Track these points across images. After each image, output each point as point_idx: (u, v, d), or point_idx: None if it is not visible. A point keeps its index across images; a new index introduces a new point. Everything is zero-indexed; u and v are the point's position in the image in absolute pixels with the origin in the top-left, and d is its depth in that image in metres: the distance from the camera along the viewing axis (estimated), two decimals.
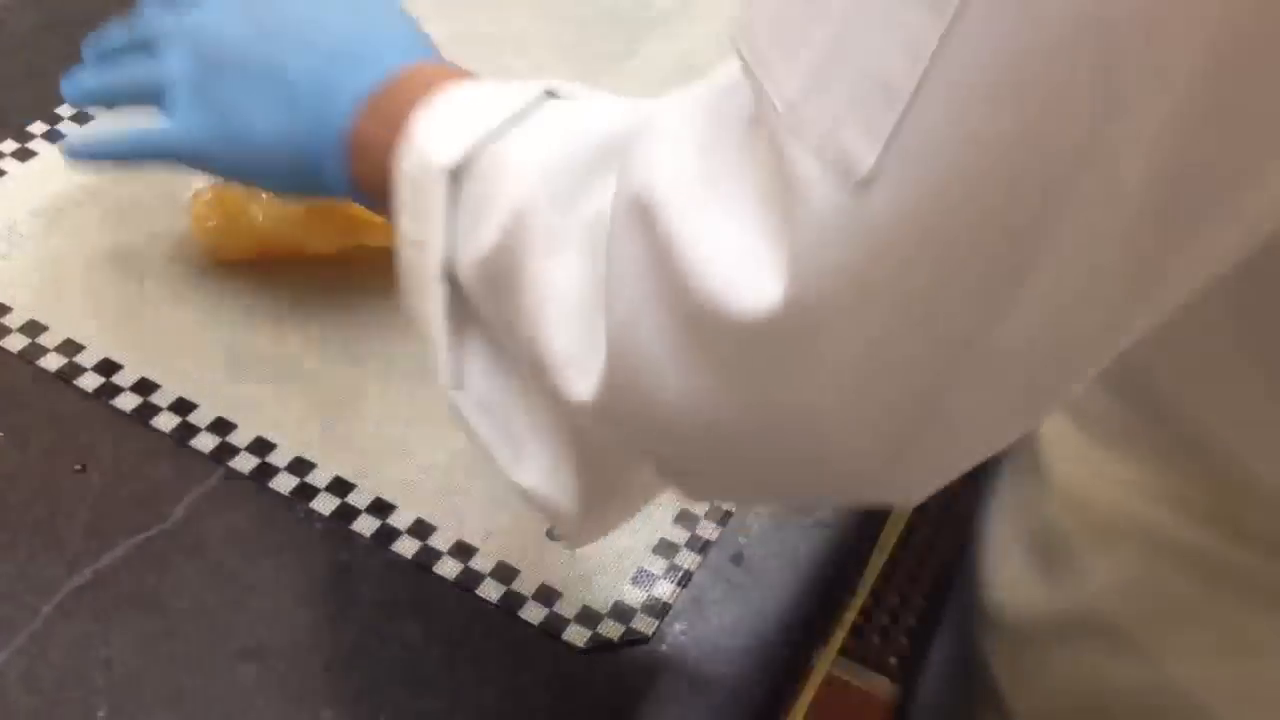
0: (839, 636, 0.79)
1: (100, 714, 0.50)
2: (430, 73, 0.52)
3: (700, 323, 0.36)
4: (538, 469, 0.46)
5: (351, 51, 0.54)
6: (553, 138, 0.45)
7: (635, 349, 0.38)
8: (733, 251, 0.35)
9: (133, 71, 0.60)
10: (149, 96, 0.59)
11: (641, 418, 0.40)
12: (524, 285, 0.43)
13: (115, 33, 0.62)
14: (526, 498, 0.47)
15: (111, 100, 0.62)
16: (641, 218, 0.38)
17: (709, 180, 0.36)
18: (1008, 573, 0.59)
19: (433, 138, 0.47)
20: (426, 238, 0.46)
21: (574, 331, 0.41)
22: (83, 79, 0.61)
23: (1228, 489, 0.49)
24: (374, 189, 0.50)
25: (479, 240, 0.45)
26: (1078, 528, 0.55)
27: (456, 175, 0.45)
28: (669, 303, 0.37)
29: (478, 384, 0.48)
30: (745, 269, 0.35)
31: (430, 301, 0.47)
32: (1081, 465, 0.55)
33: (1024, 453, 0.58)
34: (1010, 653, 0.59)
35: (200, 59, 0.57)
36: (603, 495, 0.47)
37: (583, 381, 0.41)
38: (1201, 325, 0.41)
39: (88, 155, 0.61)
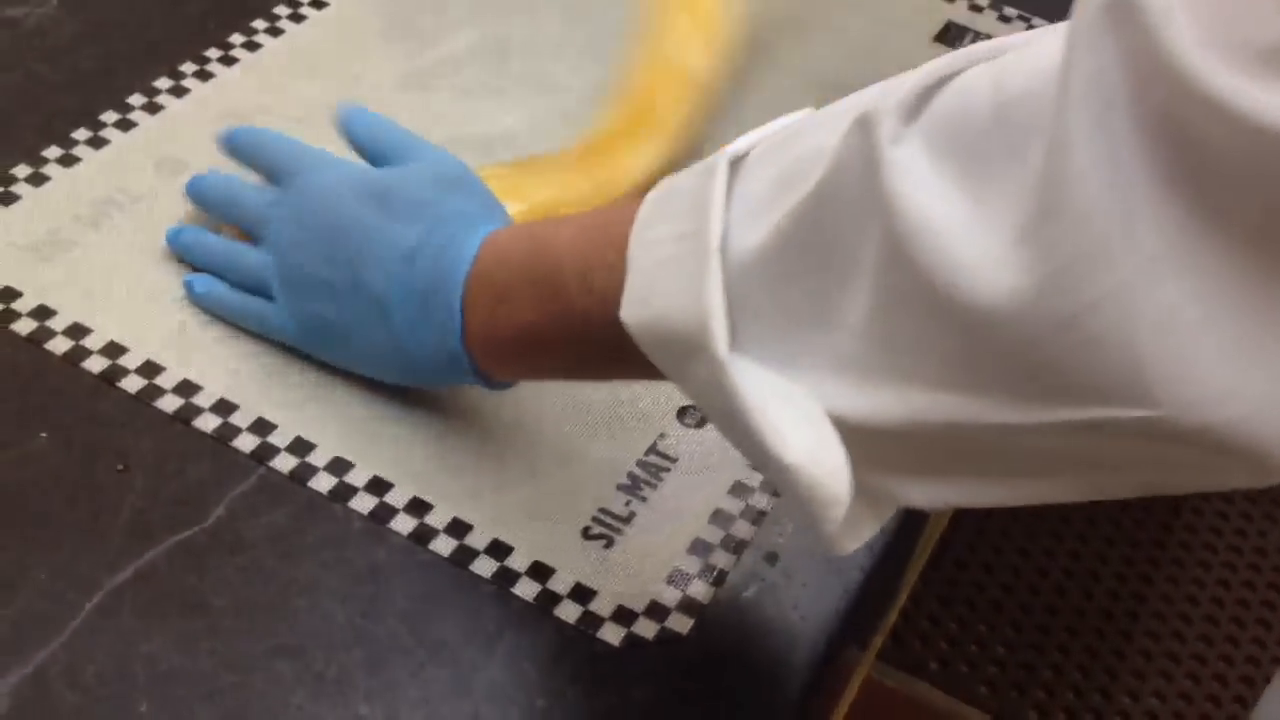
0: (878, 640, 0.79)
1: (141, 709, 0.51)
2: (517, 231, 0.56)
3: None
4: (802, 447, 0.43)
5: (428, 248, 0.56)
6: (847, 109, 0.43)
7: (1103, 199, 0.34)
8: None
9: (237, 266, 0.64)
10: (259, 289, 0.63)
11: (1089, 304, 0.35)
12: (879, 209, 0.39)
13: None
14: (791, 476, 0.44)
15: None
16: (1116, 19, 0.34)
17: None
18: None
19: (676, 183, 0.48)
20: (695, 226, 0.45)
21: (981, 228, 0.37)
22: (199, 282, 0.65)
23: None
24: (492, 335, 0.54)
25: (785, 201, 0.43)
26: None
27: (735, 165, 0.45)
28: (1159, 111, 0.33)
29: (749, 364, 0.45)
30: None
31: (704, 277, 0.44)
32: None
33: None
34: None
35: (285, 269, 0.61)
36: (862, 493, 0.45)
37: (1003, 279, 0.37)
38: None
39: (211, 305, 0.65)
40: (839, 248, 0.42)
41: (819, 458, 0.43)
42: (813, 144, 0.44)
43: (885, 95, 0.41)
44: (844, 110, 0.44)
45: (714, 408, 0.47)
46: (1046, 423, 0.38)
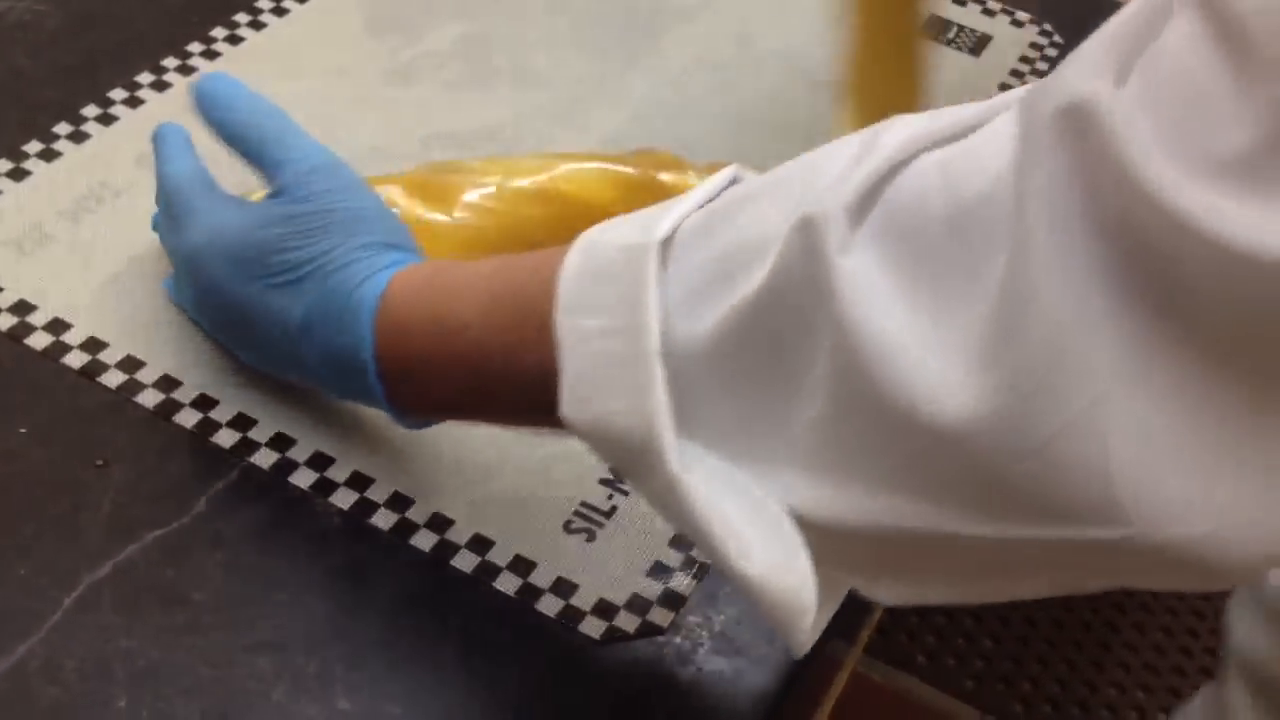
0: (865, 635, 0.79)
1: (120, 704, 0.51)
2: (414, 300, 0.51)
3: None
4: (767, 560, 0.42)
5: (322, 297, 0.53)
6: (791, 180, 0.42)
7: (1065, 317, 0.34)
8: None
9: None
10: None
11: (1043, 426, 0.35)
12: (830, 323, 0.38)
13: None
14: (756, 590, 0.43)
15: None
16: (1072, 127, 0.34)
17: None
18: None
19: (606, 238, 0.44)
20: (631, 320, 0.42)
21: (940, 349, 0.37)
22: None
23: None
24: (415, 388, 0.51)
25: (729, 294, 0.41)
26: None
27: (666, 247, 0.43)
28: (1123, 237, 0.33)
29: (702, 471, 0.43)
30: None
31: (648, 384, 0.42)
32: None
33: None
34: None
35: (202, 295, 0.59)
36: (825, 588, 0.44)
37: (964, 403, 0.36)
38: None
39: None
40: (788, 354, 0.40)
41: (784, 570, 0.42)
42: (753, 233, 0.42)
43: (829, 191, 0.39)
44: (782, 190, 0.42)
45: (669, 512, 0.45)
46: (1011, 538, 0.37)
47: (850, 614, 0.60)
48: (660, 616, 0.55)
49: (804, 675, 0.57)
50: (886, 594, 0.45)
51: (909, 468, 0.38)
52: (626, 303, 0.42)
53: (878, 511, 0.40)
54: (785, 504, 0.42)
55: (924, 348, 0.37)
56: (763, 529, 0.42)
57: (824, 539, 0.42)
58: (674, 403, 0.42)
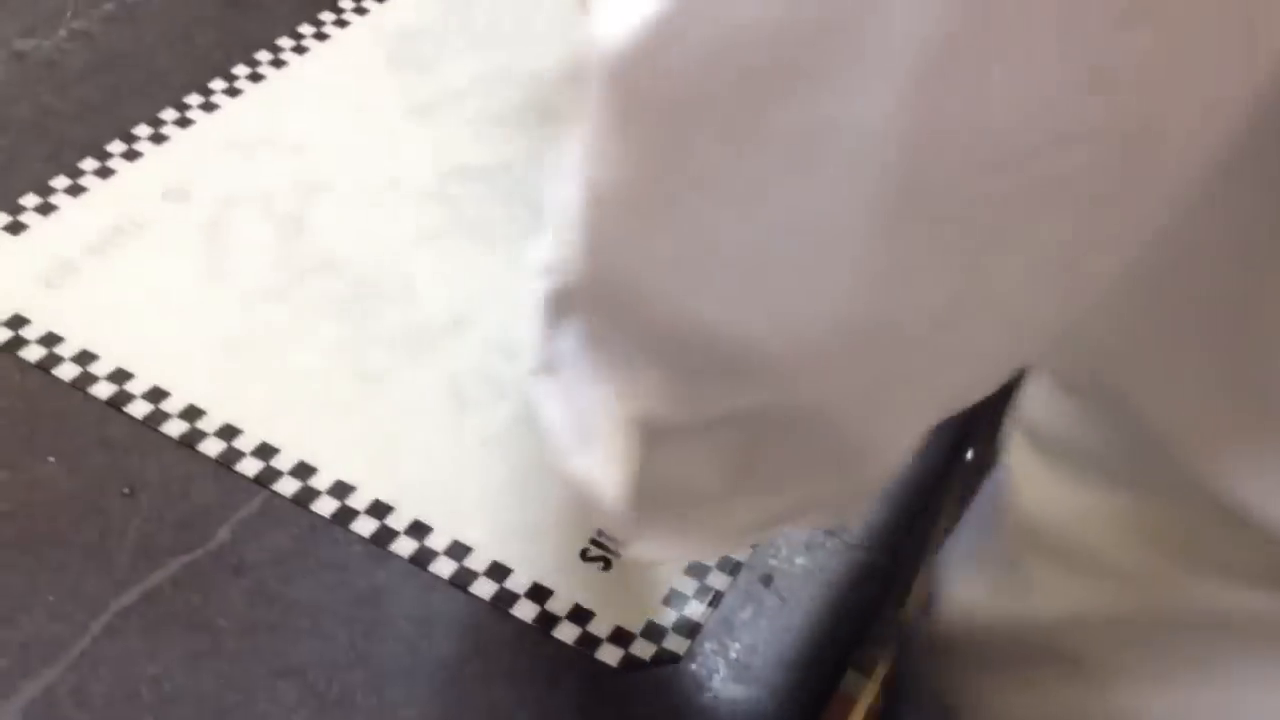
0: (881, 668, 0.80)
1: None
2: None
3: None
4: (594, 458, 0.44)
5: None
6: None
7: None
8: None
9: None
10: None
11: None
12: None
13: None
14: (578, 485, 0.45)
15: None
16: None
17: None
18: (964, 595, 0.59)
19: None
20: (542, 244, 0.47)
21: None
22: None
23: (1192, 513, 0.46)
24: None
25: None
26: (1034, 552, 0.54)
27: None
28: None
29: (564, 370, 0.46)
30: None
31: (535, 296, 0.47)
32: (1041, 489, 0.54)
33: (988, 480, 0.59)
34: (961, 678, 0.59)
35: None
36: (660, 500, 0.45)
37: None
38: (1164, 320, 0.41)
39: None
40: None
41: (606, 469, 0.44)
42: None
43: None
44: None
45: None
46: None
47: (853, 637, 0.61)
48: (676, 644, 0.56)
49: (820, 705, 0.58)
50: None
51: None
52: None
53: None
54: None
55: None
56: (597, 430, 0.44)
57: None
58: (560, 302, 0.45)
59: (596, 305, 0.42)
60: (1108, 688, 0.51)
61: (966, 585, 0.59)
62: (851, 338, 0.37)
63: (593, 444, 0.44)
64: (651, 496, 0.45)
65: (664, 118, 0.34)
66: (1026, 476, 0.55)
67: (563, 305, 0.45)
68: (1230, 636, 0.47)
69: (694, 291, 0.37)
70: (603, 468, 0.44)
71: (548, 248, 0.46)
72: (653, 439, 0.43)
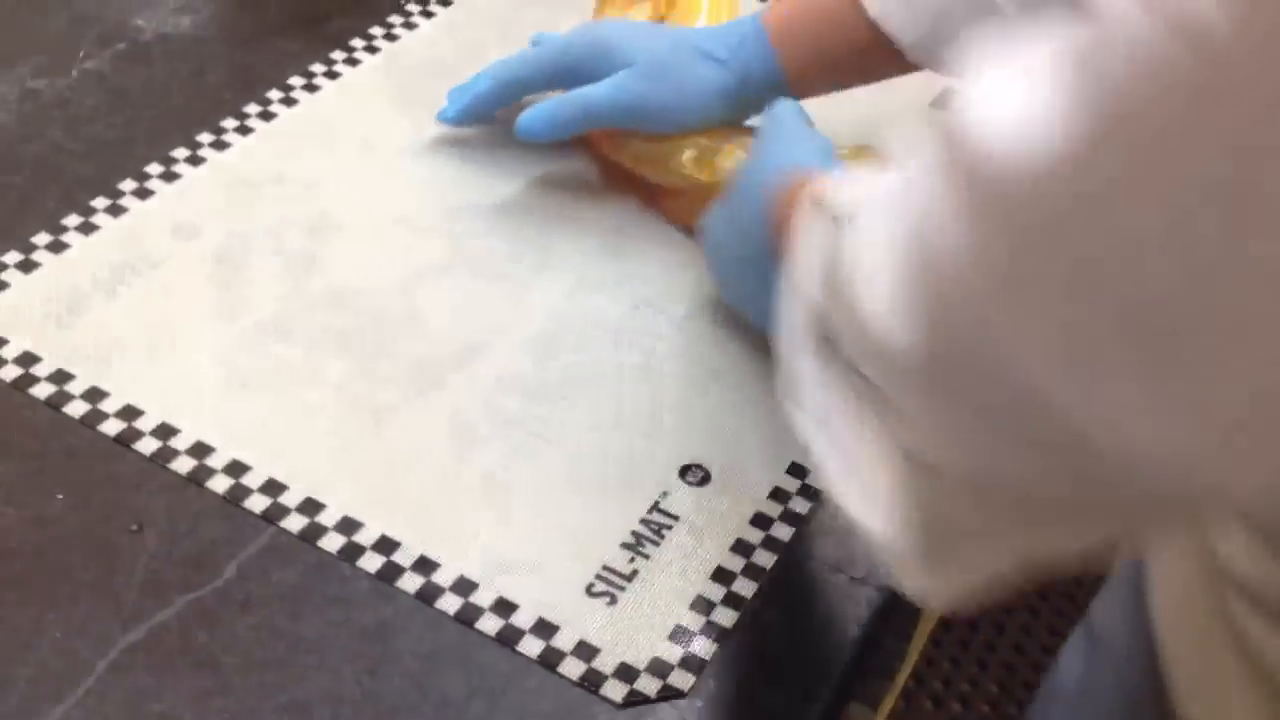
0: (889, 700, 0.79)
1: None
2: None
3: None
4: (874, 502, 0.45)
5: None
6: None
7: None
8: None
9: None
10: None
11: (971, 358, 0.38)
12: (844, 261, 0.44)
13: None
14: (865, 533, 0.46)
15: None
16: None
17: None
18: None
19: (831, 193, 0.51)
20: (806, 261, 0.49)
21: (892, 280, 0.40)
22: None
23: None
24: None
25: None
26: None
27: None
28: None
29: (821, 405, 0.48)
30: None
31: (796, 315, 0.49)
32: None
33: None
34: None
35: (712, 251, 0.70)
36: (945, 541, 0.45)
37: (907, 331, 0.39)
38: None
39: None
40: None
41: (889, 514, 0.44)
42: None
43: None
44: None
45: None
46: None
47: (870, 678, 0.60)
48: (681, 680, 0.56)
49: None
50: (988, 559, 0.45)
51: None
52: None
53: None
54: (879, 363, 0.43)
55: None
56: (869, 471, 0.45)
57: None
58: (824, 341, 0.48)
59: (930, 368, 0.40)
60: None
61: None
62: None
63: (870, 486, 0.45)
64: (932, 534, 0.44)
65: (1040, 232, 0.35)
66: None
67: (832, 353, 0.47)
68: None
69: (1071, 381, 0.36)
70: (883, 507, 0.44)
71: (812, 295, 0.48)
72: (936, 482, 0.43)
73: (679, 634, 0.58)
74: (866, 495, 0.45)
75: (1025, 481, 0.40)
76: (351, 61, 0.87)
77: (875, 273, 0.41)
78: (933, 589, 0.46)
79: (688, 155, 0.74)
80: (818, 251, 0.49)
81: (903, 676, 1.13)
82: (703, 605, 0.59)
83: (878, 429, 0.45)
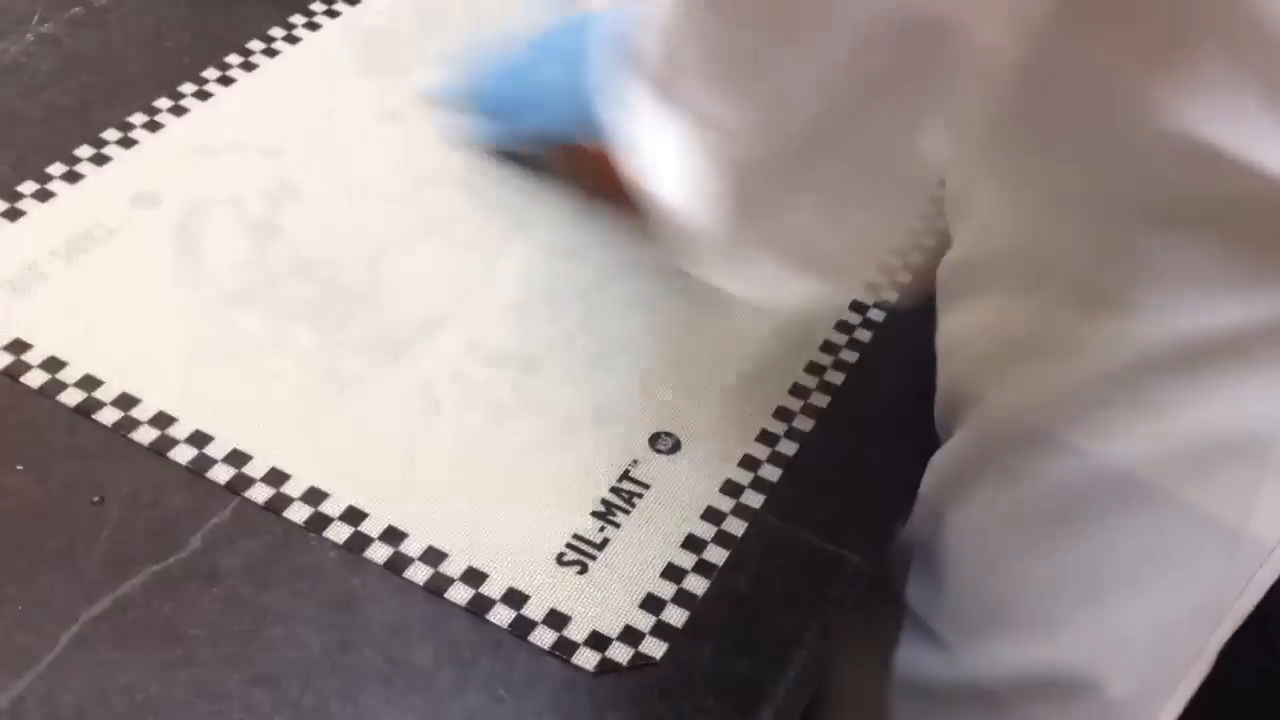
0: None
1: None
2: None
3: None
4: (676, 177, 0.51)
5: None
6: None
7: None
8: None
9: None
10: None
11: None
12: None
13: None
14: (661, 203, 0.52)
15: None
16: None
17: None
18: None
19: None
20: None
21: None
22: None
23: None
24: None
25: None
26: (978, 378, 0.62)
27: None
28: None
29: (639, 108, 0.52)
30: None
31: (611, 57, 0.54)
32: (972, 320, 0.62)
33: None
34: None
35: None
36: (743, 206, 0.50)
37: None
38: None
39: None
40: None
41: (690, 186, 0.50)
42: None
43: None
44: None
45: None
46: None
47: (827, 641, 0.60)
48: (653, 648, 0.56)
49: (797, 707, 0.57)
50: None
51: None
52: None
53: None
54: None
55: None
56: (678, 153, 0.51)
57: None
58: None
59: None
60: (1079, 450, 0.58)
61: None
62: None
63: (682, 172, 0.50)
64: (738, 215, 0.50)
65: None
66: (956, 318, 0.64)
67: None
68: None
69: None
70: (693, 188, 0.50)
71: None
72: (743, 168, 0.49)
73: (650, 602, 0.58)
74: (675, 175, 0.51)
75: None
76: (312, 25, 0.86)
77: None
78: (729, 269, 0.53)
79: None
80: None
81: None
82: (674, 573, 0.59)
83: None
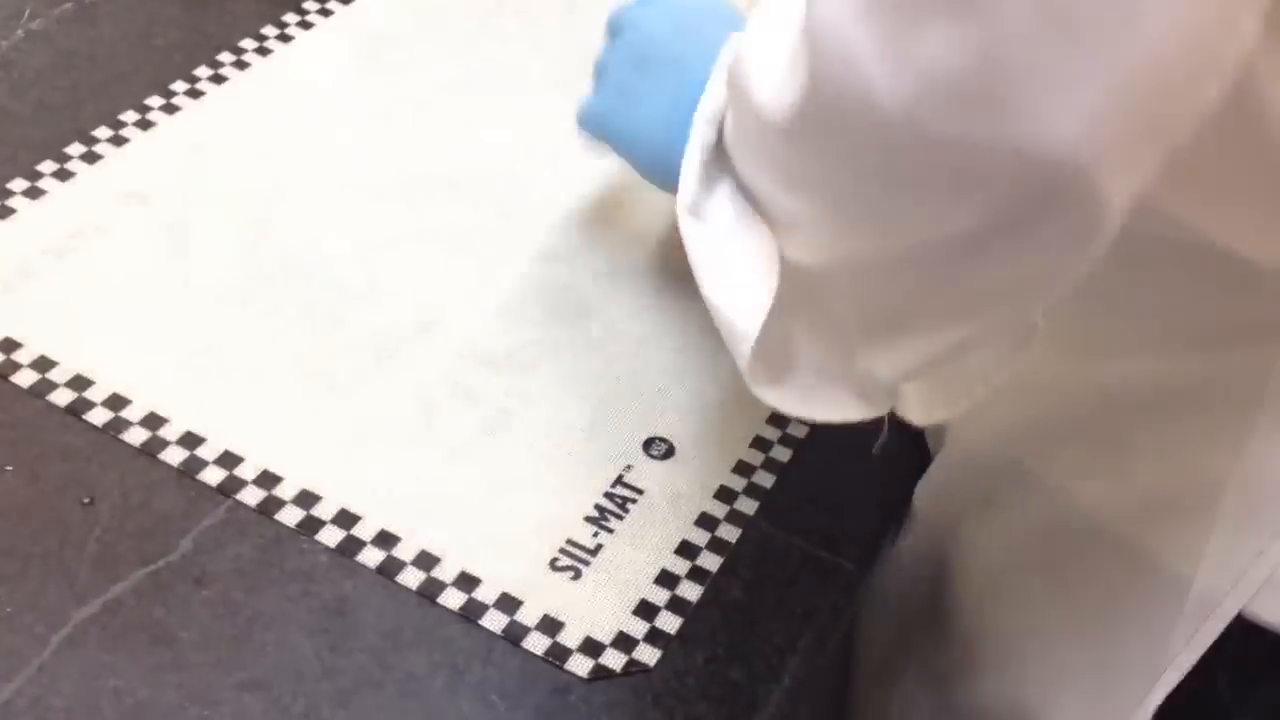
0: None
1: None
2: None
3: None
4: (730, 289, 0.50)
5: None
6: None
7: (841, 44, 0.39)
8: None
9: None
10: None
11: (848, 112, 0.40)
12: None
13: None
14: (715, 313, 0.51)
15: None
16: None
17: None
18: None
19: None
20: (711, 92, 0.53)
21: (775, 54, 0.44)
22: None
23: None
24: None
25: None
26: None
27: None
28: None
29: (713, 215, 0.52)
30: None
31: (693, 139, 0.52)
32: None
33: None
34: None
35: (628, 47, 0.64)
36: (783, 339, 0.50)
37: (787, 94, 0.42)
38: None
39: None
40: None
41: (743, 299, 0.49)
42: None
43: None
44: None
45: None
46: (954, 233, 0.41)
47: (820, 646, 0.60)
48: (646, 654, 0.56)
49: (778, 709, 0.57)
50: (875, 360, 0.49)
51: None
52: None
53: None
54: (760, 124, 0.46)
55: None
56: (738, 265, 0.50)
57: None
58: (714, 158, 0.53)
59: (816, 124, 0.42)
60: (1052, 487, 0.58)
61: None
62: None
63: (737, 280, 0.50)
64: (786, 333, 0.49)
65: None
66: None
67: (721, 156, 0.52)
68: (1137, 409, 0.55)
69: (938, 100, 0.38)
70: (744, 297, 0.49)
71: (715, 99, 0.52)
72: (799, 277, 0.48)
73: (644, 608, 0.57)
74: (737, 294, 0.50)
75: (904, 228, 0.42)
76: (304, 24, 0.86)
77: (766, 46, 0.45)
78: (775, 392, 0.52)
79: None
80: (724, 63, 0.51)
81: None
82: (667, 579, 0.59)
83: (758, 235, 0.49)
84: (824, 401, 0.52)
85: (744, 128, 0.48)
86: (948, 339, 0.47)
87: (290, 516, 0.59)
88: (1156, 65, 0.36)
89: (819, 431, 0.66)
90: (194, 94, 0.79)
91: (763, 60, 0.45)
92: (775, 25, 0.45)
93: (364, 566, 0.58)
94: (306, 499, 0.60)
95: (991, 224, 0.39)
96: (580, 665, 0.55)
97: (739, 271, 0.50)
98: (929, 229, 0.41)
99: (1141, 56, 0.36)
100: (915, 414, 0.52)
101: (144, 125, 0.77)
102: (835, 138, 0.41)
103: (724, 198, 0.52)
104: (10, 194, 0.71)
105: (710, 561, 0.60)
